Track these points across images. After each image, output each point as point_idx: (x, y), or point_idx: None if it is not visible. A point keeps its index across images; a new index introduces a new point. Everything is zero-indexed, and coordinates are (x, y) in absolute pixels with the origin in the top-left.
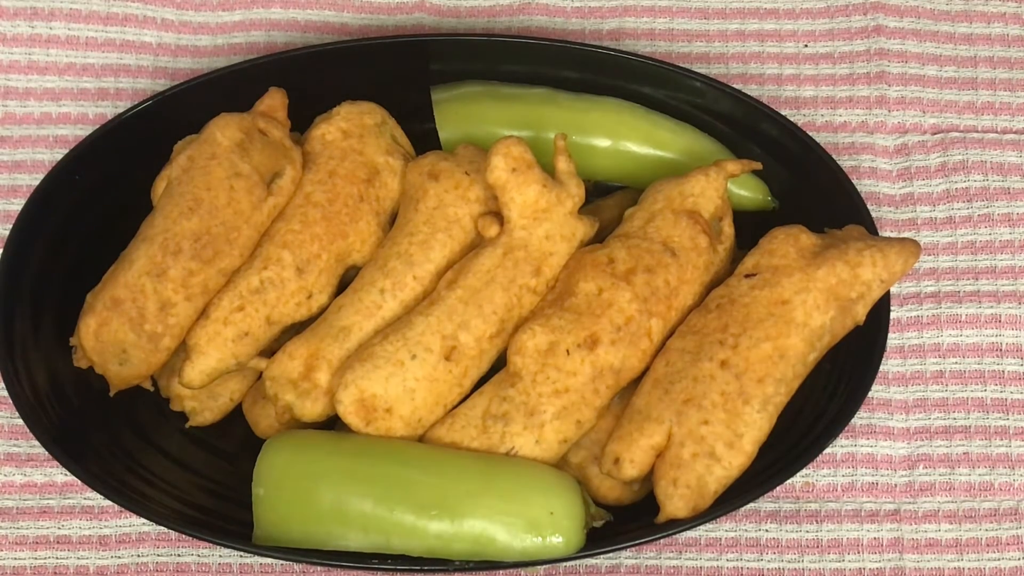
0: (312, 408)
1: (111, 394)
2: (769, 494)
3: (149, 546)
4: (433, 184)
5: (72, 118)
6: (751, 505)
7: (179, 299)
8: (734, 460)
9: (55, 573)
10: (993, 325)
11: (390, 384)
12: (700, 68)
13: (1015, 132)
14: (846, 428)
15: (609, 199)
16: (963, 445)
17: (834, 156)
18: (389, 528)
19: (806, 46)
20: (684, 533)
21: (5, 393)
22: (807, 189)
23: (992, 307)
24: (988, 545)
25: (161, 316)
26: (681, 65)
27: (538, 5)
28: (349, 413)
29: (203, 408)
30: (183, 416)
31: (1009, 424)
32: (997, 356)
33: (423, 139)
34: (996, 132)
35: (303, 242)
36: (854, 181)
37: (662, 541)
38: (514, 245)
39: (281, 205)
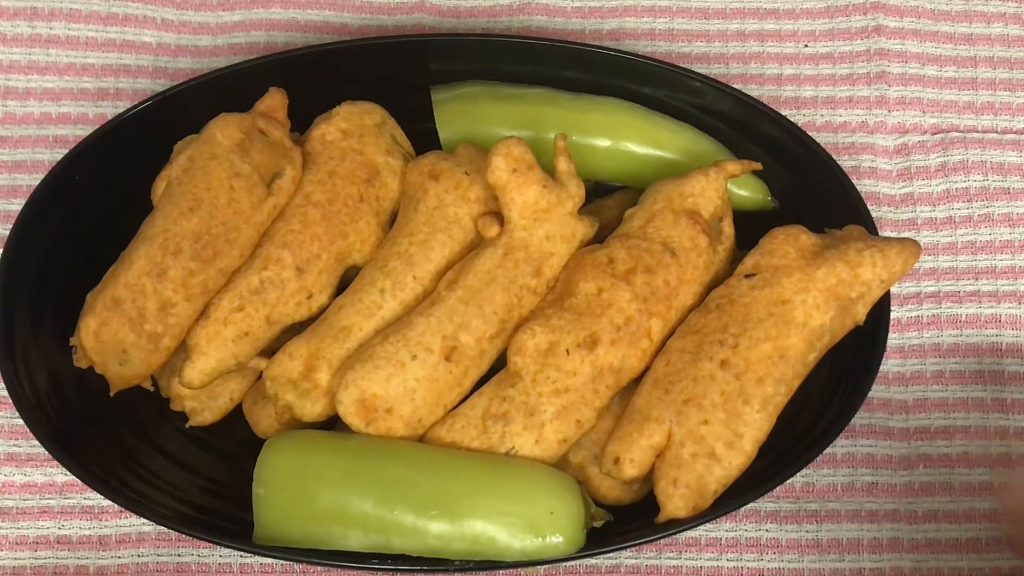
0: (312, 408)
1: (111, 394)
2: (769, 494)
3: (149, 546)
4: (433, 184)
5: (72, 118)
6: (751, 505)
7: (179, 299)
8: (734, 460)
9: (55, 573)
10: (993, 325)
11: (390, 384)
12: (700, 68)
13: (1015, 132)
14: (846, 428)
15: (609, 199)
16: (963, 445)
17: (834, 156)
18: (389, 528)
19: (806, 46)
20: (684, 533)
21: (5, 393)
22: (807, 189)
23: (992, 307)
24: (988, 545)
25: (161, 316)
26: (681, 65)
27: (538, 5)
28: (349, 413)
29: (203, 408)
30: (183, 416)
31: (1009, 424)
32: (997, 356)
33: (423, 139)
34: (996, 132)
35: (303, 242)
36: (854, 181)
37: (662, 541)
38: (514, 245)
39: (281, 205)
